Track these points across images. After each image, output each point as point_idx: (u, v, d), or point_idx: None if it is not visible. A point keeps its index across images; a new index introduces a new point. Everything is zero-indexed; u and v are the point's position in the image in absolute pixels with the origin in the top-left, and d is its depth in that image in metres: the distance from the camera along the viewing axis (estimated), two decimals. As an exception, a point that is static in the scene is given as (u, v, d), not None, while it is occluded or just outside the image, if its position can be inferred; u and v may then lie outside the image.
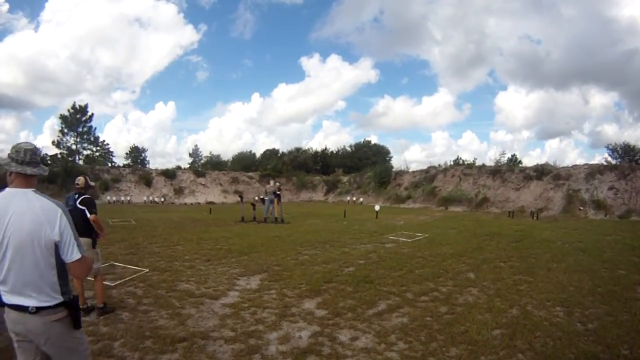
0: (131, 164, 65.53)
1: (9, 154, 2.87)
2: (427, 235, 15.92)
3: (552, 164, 34.72)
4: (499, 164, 38.55)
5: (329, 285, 8.22)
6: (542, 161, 36.33)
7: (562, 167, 33.20)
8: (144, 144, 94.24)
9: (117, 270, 9.47)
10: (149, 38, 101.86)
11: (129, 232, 16.18)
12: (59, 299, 2.81)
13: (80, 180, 6.97)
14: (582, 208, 27.53)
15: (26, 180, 2.86)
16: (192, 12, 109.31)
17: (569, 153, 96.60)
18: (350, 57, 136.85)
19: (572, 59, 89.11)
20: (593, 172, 30.12)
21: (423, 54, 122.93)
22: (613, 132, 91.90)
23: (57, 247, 2.76)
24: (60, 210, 2.80)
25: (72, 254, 2.78)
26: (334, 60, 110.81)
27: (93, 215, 6.45)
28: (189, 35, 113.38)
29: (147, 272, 9.22)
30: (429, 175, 40.98)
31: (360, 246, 13.25)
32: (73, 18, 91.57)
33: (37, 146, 3.06)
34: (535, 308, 6.82)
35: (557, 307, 6.86)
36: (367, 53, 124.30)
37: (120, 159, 69.02)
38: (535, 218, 25.27)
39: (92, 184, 7.24)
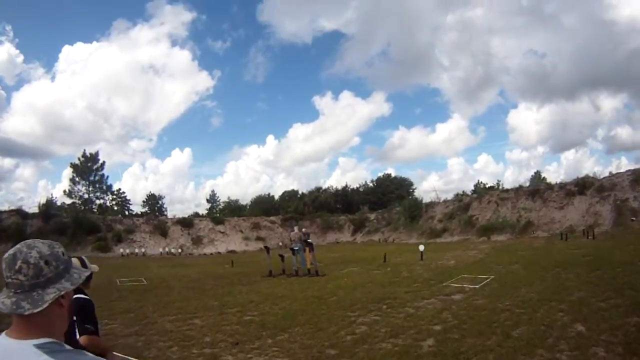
0: (148, 211, 64.55)
1: None
2: (492, 277, 13.50)
3: (592, 175, 32.57)
4: (537, 185, 36.12)
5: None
6: (560, 175, 34.44)
7: (605, 178, 31.10)
8: (162, 191, 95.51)
9: None
10: (164, 85, 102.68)
11: (138, 297, 13.83)
12: None
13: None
14: (634, 218, 25.19)
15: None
16: (205, 58, 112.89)
17: (585, 162, 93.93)
18: (362, 92, 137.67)
19: (578, 67, 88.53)
20: (638, 177, 28.08)
21: (433, 81, 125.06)
22: (627, 134, 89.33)
23: None
24: None
25: None
26: (347, 96, 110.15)
27: (84, 337, 3.39)
28: (203, 81, 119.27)
29: (154, 368, 6.63)
30: (463, 203, 38.40)
31: (424, 303, 10.60)
32: (88, 67, 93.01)
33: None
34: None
35: None
36: (379, 87, 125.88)
37: (137, 207, 68.57)
38: (591, 237, 23.03)
39: (93, 269, 4.46)
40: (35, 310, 1.41)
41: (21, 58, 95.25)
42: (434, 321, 8.63)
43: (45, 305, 1.42)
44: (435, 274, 15.31)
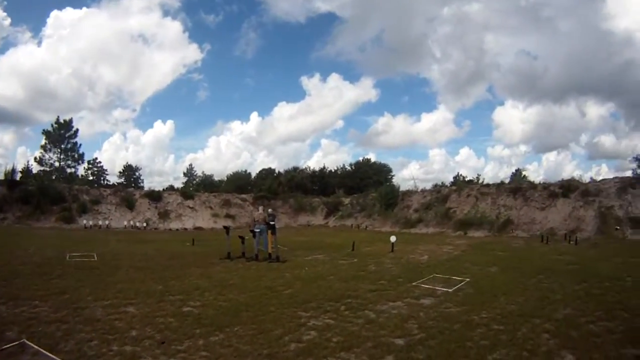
0: (124, 182, 63.68)
1: None
2: (468, 279, 12.26)
3: (577, 178, 31.67)
4: (520, 182, 35.37)
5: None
6: (539, 175, 33.85)
7: (590, 182, 30.15)
8: (141, 162, 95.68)
9: (25, 359, 5.97)
10: (152, 55, 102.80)
11: (81, 275, 12.43)
12: None
13: None
14: (618, 227, 24.30)
15: None
16: (196, 31, 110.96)
17: (565, 166, 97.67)
18: (351, 76, 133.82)
19: (569, 72, 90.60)
20: (624, 185, 27.14)
21: (423, 71, 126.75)
22: (610, 143, 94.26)
23: None
24: None
25: None
26: (335, 79, 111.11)
27: None
28: (192, 54, 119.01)
29: (61, 366, 5.53)
30: (441, 195, 37.15)
31: (388, 306, 9.35)
32: (76, 34, 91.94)
33: None
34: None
35: None
36: (368, 72, 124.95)
37: (114, 178, 68.13)
38: (573, 242, 22.05)
39: None
40: None
41: (8, 21, 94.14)
42: (397, 332, 7.41)
43: None
44: (405, 270, 14.11)
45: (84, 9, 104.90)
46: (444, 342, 6.82)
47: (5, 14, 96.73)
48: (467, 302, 9.63)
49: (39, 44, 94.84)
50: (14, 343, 6.41)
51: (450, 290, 10.95)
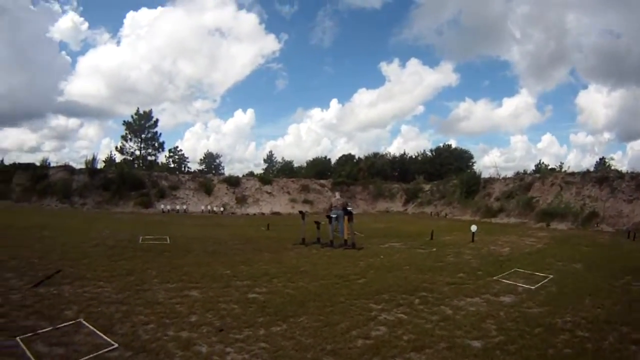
0: (205, 169, 65.37)
1: None
2: (551, 276, 11.14)
3: None
4: (606, 172, 32.45)
5: None
6: (623, 165, 30.73)
7: None
8: (222, 150, 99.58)
9: (78, 339, 5.76)
10: (230, 48, 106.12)
11: (150, 257, 12.40)
12: None
13: None
14: None
15: None
16: (272, 22, 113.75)
17: None
18: (430, 60, 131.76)
19: None
20: None
21: (503, 54, 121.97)
22: None
23: None
24: None
25: None
26: (414, 64, 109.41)
27: None
28: (270, 44, 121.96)
29: (114, 348, 5.50)
30: (524, 183, 35.07)
31: (466, 302, 8.56)
32: (153, 32, 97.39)
33: None
34: None
35: None
36: (447, 56, 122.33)
37: (195, 165, 72.09)
38: None
39: None
40: None
41: (86, 25, 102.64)
42: (474, 333, 6.66)
43: None
44: (485, 263, 13.16)
45: (159, 8, 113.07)
46: (524, 348, 6.05)
47: (82, 18, 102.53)
48: (550, 302, 8.69)
49: (118, 43, 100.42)
50: (70, 322, 6.33)
51: (532, 287, 9.98)
